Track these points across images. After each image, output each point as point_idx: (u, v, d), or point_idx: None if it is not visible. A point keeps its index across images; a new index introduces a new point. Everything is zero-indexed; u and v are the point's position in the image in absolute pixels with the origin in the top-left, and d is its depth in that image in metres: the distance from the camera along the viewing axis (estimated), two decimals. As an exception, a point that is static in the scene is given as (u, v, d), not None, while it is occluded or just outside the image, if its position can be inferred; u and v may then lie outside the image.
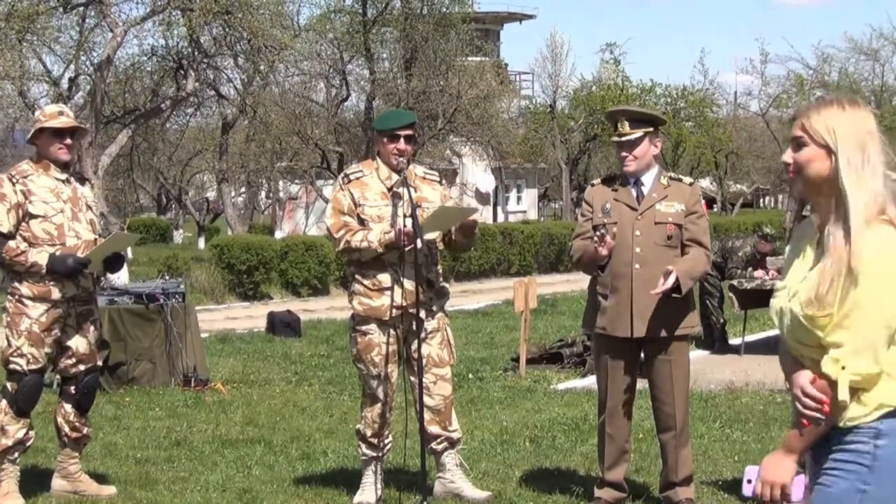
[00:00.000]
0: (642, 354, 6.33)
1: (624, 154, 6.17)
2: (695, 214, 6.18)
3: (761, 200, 59.81)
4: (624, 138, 6.14)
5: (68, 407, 6.64)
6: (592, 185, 6.43)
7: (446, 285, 6.60)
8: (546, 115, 41.32)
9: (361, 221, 6.31)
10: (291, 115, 29.80)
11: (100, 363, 6.84)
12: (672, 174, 6.36)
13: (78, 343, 6.55)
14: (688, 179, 6.36)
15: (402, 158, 6.34)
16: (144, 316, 10.64)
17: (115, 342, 10.40)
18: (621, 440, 6.28)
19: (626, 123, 6.14)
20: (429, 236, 6.28)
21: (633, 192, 6.21)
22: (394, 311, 6.28)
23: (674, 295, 5.99)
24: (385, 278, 6.29)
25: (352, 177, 6.43)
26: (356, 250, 6.26)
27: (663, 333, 6.13)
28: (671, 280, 5.92)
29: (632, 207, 6.17)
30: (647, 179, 6.22)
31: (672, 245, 6.13)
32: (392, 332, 6.34)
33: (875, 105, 37.37)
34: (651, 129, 6.17)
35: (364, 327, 6.37)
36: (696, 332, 6.34)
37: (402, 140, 6.34)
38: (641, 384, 6.48)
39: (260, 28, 21.98)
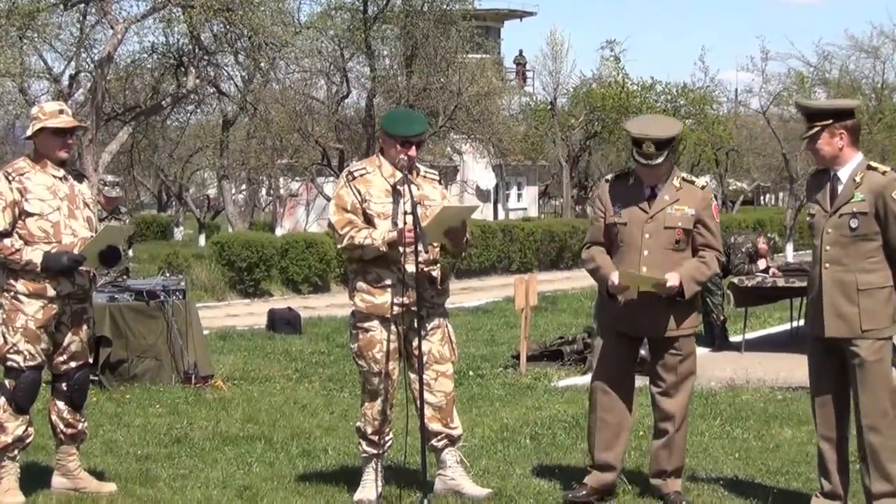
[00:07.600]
0: (643, 351, 6.43)
1: (646, 175, 6.21)
2: (706, 220, 6.21)
3: (762, 198, 59.70)
4: (651, 161, 6.10)
5: (61, 404, 6.62)
6: (606, 181, 6.43)
7: (447, 284, 6.59)
8: (546, 113, 41.31)
9: (367, 218, 6.30)
10: (292, 112, 29.76)
11: (90, 360, 6.83)
12: (685, 175, 6.32)
13: (71, 341, 6.53)
14: (700, 182, 6.35)
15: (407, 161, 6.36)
16: (145, 313, 10.62)
17: (116, 339, 10.40)
18: (615, 426, 6.31)
19: (652, 146, 6.10)
20: (432, 240, 6.29)
21: (646, 192, 6.23)
22: (395, 308, 6.29)
23: (678, 299, 6.07)
24: (387, 275, 6.29)
25: (356, 174, 6.40)
26: (359, 247, 6.24)
27: (668, 333, 6.20)
28: (673, 282, 6.03)
29: (643, 209, 6.19)
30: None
31: (680, 249, 6.17)
32: (393, 328, 6.34)
33: (876, 102, 37.32)
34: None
35: (366, 324, 6.35)
36: (698, 330, 6.43)
37: (413, 147, 6.34)
38: (641, 381, 6.51)
39: (260, 25, 21.95)
